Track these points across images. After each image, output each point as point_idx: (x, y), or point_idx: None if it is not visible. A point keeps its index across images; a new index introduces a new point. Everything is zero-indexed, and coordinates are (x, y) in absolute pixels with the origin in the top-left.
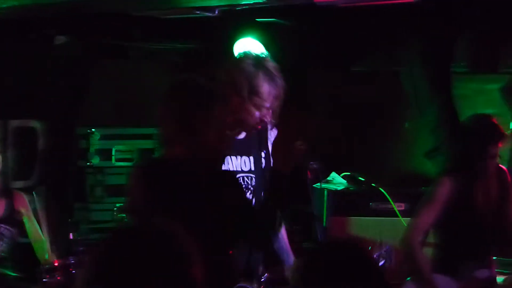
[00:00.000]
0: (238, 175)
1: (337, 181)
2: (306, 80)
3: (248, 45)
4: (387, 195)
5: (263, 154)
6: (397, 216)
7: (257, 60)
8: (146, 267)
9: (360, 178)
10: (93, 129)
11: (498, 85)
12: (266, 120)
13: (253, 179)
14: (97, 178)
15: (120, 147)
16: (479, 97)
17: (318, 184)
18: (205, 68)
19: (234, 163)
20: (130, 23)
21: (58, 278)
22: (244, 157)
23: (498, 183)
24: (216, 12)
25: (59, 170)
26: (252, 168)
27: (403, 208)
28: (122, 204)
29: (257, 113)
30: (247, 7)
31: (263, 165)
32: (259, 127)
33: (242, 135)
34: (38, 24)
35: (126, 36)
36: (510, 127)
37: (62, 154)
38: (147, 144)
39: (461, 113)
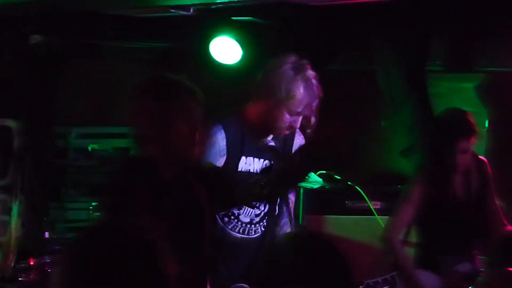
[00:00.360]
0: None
1: (313, 179)
2: None
3: (224, 43)
4: (363, 194)
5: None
6: (373, 215)
7: (297, 65)
8: (120, 265)
9: (336, 176)
10: (70, 128)
11: (473, 84)
12: (295, 125)
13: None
14: (73, 177)
15: (96, 146)
16: (454, 96)
17: None
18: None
19: (255, 165)
20: (105, 22)
21: (34, 277)
22: (266, 161)
23: (478, 176)
24: (191, 11)
25: (34, 169)
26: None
27: (379, 207)
28: (97, 203)
29: (287, 117)
30: (222, 5)
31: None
32: (287, 132)
33: (269, 138)
34: (13, 23)
35: (101, 35)
36: (486, 126)
37: (38, 153)
38: (123, 143)
39: (436, 112)
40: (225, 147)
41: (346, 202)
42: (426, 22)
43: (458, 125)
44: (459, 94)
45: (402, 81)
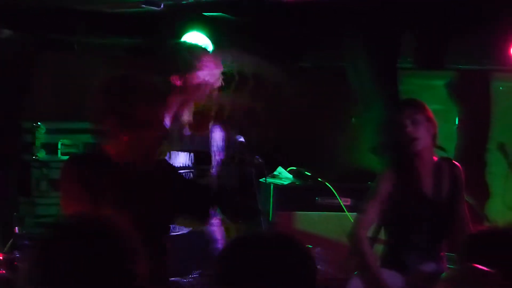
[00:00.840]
0: (182, 171)
1: (283, 175)
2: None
3: (195, 39)
4: (333, 190)
5: (203, 154)
6: (343, 211)
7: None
8: (87, 264)
9: (306, 173)
10: (39, 123)
11: (443, 81)
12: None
13: (190, 174)
14: (43, 172)
15: (66, 141)
16: (424, 93)
17: (264, 178)
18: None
19: (177, 158)
20: (74, 17)
21: (3, 272)
22: (186, 153)
23: (450, 179)
24: (162, 6)
25: (3, 164)
26: (190, 164)
27: (349, 203)
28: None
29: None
30: (193, 1)
31: (203, 163)
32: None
33: (188, 132)
34: None
35: (70, 30)
36: (457, 123)
37: (6, 148)
38: (92, 138)
39: None
40: None
41: (316, 198)
42: (396, 19)
43: (401, 103)
44: (429, 91)
45: (373, 78)
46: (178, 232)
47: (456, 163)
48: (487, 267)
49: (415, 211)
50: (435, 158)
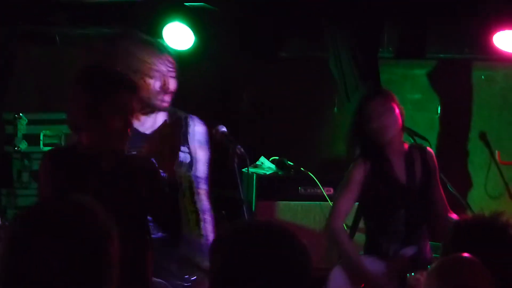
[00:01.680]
0: None
1: (266, 165)
2: (233, 65)
3: (176, 29)
4: (316, 180)
5: (183, 149)
6: (326, 201)
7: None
8: (62, 245)
9: (289, 162)
10: (20, 114)
11: (424, 71)
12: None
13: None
14: (24, 163)
15: (48, 132)
16: (405, 83)
17: (246, 168)
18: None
19: None
20: (55, 8)
21: None
22: None
23: (422, 165)
24: None
25: None
26: None
27: (331, 193)
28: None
29: (156, 84)
30: None
31: (181, 159)
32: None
33: (156, 127)
34: None
35: (51, 22)
36: (438, 112)
37: None
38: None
39: None
40: None
41: (299, 188)
42: (377, 8)
43: (369, 93)
44: (410, 80)
45: (354, 68)
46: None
47: (428, 148)
48: (472, 256)
49: (389, 198)
50: (406, 146)
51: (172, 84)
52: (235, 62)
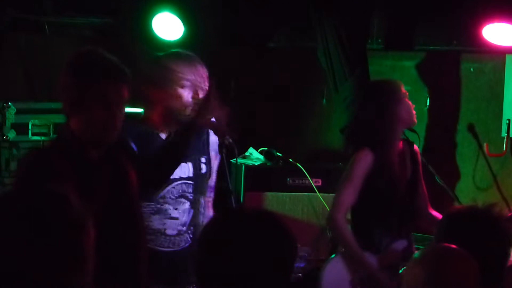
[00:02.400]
0: (176, 183)
1: (254, 156)
2: (222, 55)
3: (166, 20)
4: (304, 171)
5: (203, 159)
6: (314, 192)
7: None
8: (32, 232)
9: (277, 153)
10: (9, 103)
11: (413, 62)
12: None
13: (191, 186)
14: (13, 152)
15: (37, 122)
16: (394, 74)
17: (235, 159)
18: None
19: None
20: None
21: None
22: (182, 164)
23: (411, 160)
24: None
25: None
26: (191, 175)
27: (320, 184)
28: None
29: (187, 96)
30: None
31: (203, 171)
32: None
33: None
34: None
35: (39, 10)
36: (427, 104)
37: None
38: (62, 118)
39: None
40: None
41: (287, 179)
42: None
43: (388, 92)
44: (399, 72)
45: (343, 58)
46: None
47: (415, 146)
48: (465, 246)
49: (388, 191)
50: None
51: (202, 95)
52: (223, 52)
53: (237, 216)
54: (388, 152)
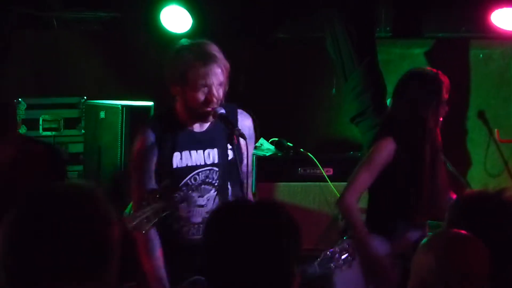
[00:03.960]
0: (199, 170)
1: (265, 147)
2: (231, 47)
3: (174, 12)
4: (315, 160)
5: (229, 146)
6: (326, 181)
7: (191, 45)
8: (65, 228)
9: (288, 143)
10: (19, 99)
11: (423, 50)
12: (214, 100)
13: (217, 172)
14: None
15: (47, 117)
16: (403, 62)
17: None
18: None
19: (194, 157)
20: None
21: None
22: (208, 150)
23: (431, 148)
24: None
25: None
26: (216, 161)
27: (331, 173)
28: None
29: (200, 96)
30: None
31: (230, 157)
32: (212, 113)
33: (205, 127)
34: None
35: (46, 6)
36: None
37: None
38: (73, 113)
39: (386, 78)
40: (155, 147)
41: (298, 169)
42: None
43: (439, 79)
44: (408, 60)
45: (351, 47)
46: None
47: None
48: (476, 231)
49: (408, 179)
50: None
51: (217, 94)
52: (232, 43)
53: (237, 210)
54: (423, 147)
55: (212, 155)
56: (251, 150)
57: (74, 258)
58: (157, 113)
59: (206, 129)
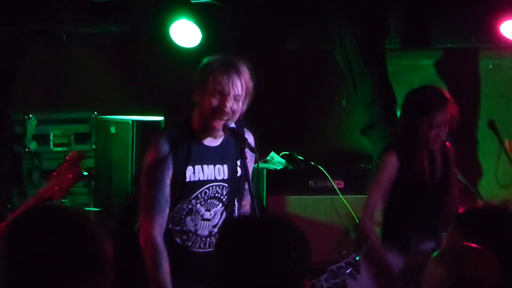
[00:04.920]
0: (209, 184)
1: (276, 160)
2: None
3: (183, 27)
4: (326, 173)
5: (238, 162)
6: (337, 194)
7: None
8: (51, 245)
9: (298, 157)
10: (30, 115)
11: (431, 61)
12: (225, 110)
13: (226, 188)
14: (34, 163)
15: (58, 132)
16: (413, 73)
17: (256, 164)
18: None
19: (206, 172)
20: (60, 6)
21: None
22: (218, 165)
23: (442, 158)
24: None
25: None
26: (226, 177)
27: (342, 186)
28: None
29: (214, 103)
30: None
31: (239, 173)
32: (224, 127)
33: (217, 142)
34: None
35: (57, 20)
36: None
37: None
38: (83, 128)
39: (396, 89)
40: (170, 160)
41: (309, 182)
42: None
43: (436, 100)
44: (418, 71)
45: (361, 59)
46: None
47: (447, 142)
48: (480, 244)
49: (416, 193)
50: None
51: (231, 105)
52: (241, 57)
53: (247, 224)
54: (416, 156)
55: (223, 171)
56: (251, 168)
57: (68, 273)
58: (171, 123)
59: (219, 145)
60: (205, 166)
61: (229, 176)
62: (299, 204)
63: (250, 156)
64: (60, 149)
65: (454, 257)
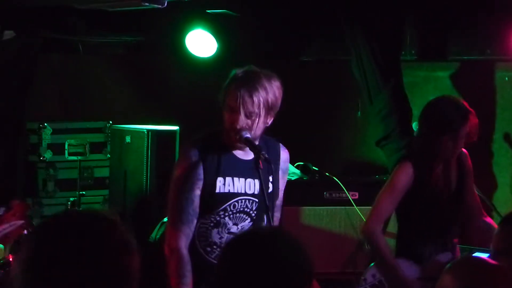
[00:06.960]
0: (239, 198)
1: (290, 171)
2: None
3: (199, 37)
4: (341, 184)
5: (270, 178)
6: (351, 205)
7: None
8: (76, 256)
9: (313, 167)
10: (45, 124)
11: (447, 73)
12: (235, 126)
13: (256, 203)
14: (49, 173)
15: (73, 141)
16: (428, 85)
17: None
18: (154, 61)
19: (236, 185)
20: (76, 16)
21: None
22: (249, 179)
23: (458, 167)
24: (166, 4)
25: (8, 166)
26: (256, 192)
27: (357, 197)
28: (75, 199)
29: (227, 118)
30: None
31: (270, 189)
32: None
33: (249, 157)
34: None
35: (72, 30)
36: None
37: (10, 149)
38: (98, 137)
39: (411, 101)
40: (201, 170)
41: (324, 193)
42: (398, 10)
43: (460, 112)
44: (434, 83)
45: (376, 70)
46: None
47: (464, 150)
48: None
49: (430, 204)
50: None
51: (242, 120)
52: (257, 67)
53: (247, 238)
54: (433, 169)
55: (253, 185)
56: (284, 184)
57: (92, 283)
58: (202, 133)
59: (251, 159)
60: (236, 179)
61: (259, 191)
62: (313, 215)
63: (282, 173)
64: (75, 158)
65: (468, 270)
